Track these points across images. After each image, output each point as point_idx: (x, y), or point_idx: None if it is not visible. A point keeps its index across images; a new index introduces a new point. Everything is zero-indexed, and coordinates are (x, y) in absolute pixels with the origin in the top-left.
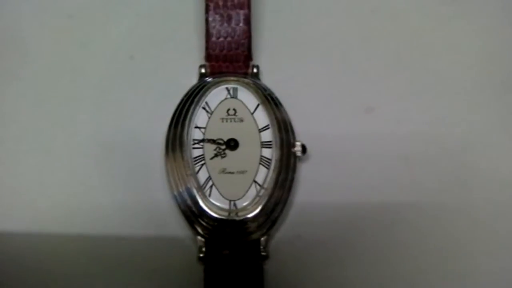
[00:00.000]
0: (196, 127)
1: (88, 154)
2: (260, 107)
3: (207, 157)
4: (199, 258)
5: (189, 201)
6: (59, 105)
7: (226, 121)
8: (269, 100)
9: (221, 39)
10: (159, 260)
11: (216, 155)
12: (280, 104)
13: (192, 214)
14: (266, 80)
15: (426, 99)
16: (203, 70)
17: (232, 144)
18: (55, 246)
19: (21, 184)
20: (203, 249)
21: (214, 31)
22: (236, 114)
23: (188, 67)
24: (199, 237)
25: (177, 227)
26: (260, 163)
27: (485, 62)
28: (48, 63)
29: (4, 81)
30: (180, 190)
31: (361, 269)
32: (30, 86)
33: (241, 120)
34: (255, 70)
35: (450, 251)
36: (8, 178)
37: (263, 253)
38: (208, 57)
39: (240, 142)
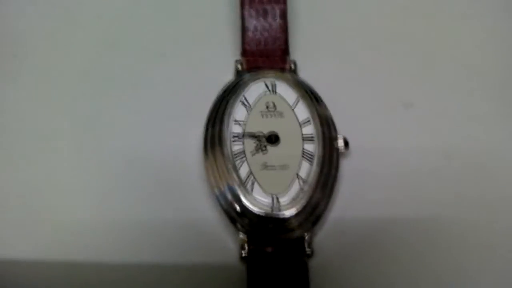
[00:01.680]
0: (236, 121)
1: (117, 165)
2: (300, 101)
3: (248, 152)
4: (242, 257)
5: (230, 199)
6: (85, 105)
7: (266, 116)
8: (309, 94)
9: (258, 34)
10: (200, 262)
11: (257, 150)
12: (320, 99)
13: (234, 212)
14: (304, 75)
15: (465, 94)
16: (239, 66)
17: (273, 139)
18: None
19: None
20: (246, 247)
21: (250, 26)
22: (276, 108)
23: (223, 64)
24: (241, 235)
25: (218, 227)
26: (303, 158)
27: None
28: (74, 64)
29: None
30: (222, 188)
31: (407, 265)
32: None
33: (281, 115)
34: (292, 66)
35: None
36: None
37: (307, 251)
38: (245, 52)
39: (281, 137)
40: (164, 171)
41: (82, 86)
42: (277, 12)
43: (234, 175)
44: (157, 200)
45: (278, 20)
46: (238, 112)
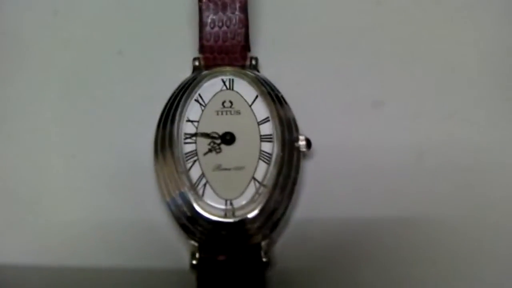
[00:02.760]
0: (188, 120)
1: (65, 167)
2: (258, 98)
3: (200, 152)
4: (192, 265)
5: (181, 204)
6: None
7: (222, 114)
8: (269, 92)
9: (216, 28)
10: (148, 269)
11: (210, 150)
12: (282, 97)
13: (184, 217)
14: (266, 73)
15: (439, 92)
16: (196, 63)
17: (228, 138)
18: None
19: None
20: (197, 255)
21: (208, 20)
22: (233, 106)
23: (182, 62)
24: (192, 242)
25: (171, 233)
26: (260, 158)
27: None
28: (26, 61)
29: None
30: (172, 194)
31: (374, 274)
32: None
33: (238, 113)
34: (253, 62)
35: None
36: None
37: (264, 259)
38: (202, 48)
39: (237, 136)
40: (116, 174)
41: (33, 82)
42: (237, 5)
43: (184, 178)
44: (107, 204)
45: (238, 13)
46: (192, 110)
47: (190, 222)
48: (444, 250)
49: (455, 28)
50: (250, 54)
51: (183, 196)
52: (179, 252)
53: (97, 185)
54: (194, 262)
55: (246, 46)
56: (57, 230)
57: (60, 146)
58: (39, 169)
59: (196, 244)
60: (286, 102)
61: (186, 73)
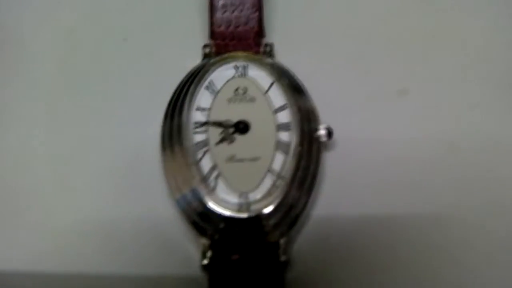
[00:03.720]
0: (198, 109)
1: (69, 161)
2: (274, 85)
3: (212, 142)
4: (203, 265)
5: (191, 198)
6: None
7: (235, 102)
8: (286, 78)
9: (228, 13)
10: (156, 272)
11: (222, 140)
12: (301, 86)
13: (195, 213)
14: (283, 61)
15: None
16: (207, 50)
17: (242, 127)
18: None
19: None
20: (208, 254)
21: (219, 4)
22: (246, 93)
23: (190, 49)
24: (202, 240)
25: (180, 230)
26: (277, 149)
27: None
28: (31, 50)
29: None
30: (183, 190)
31: (403, 273)
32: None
33: (252, 100)
34: (268, 49)
35: None
36: None
37: (283, 259)
38: (213, 34)
39: (252, 125)
40: (120, 170)
41: (38, 72)
42: None
43: (194, 170)
44: (111, 203)
45: None
46: (202, 98)
47: (201, 218)
48: (474, 250)
49: (480, 14)
50: (264, 41)
51: (194, 192)
52: (189, 252)
53: (100, 183)
54: (205, 261)
55: (260, 32)
56: (59, 231)
57: (61, 140)
58: (36, 167)
59: (207, 242)
60: (305, 92)
61: (195, 61)
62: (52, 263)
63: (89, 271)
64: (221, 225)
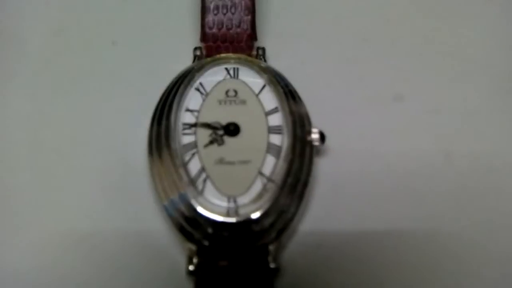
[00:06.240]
0: (188, 110)
1: (54, 165)
2: (266, 88)
3: (200, 144)
4: (189, 271)
5: (179, 204)
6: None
7: (225, 104)
8: (278, 81)
9: (220, 15)
10: (141, 279)
11: (211, 142)
12: (293, 90)
13: (181, 217)
14: (275, 66)
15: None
16: (198, 53)
17: (232, 129)
18: None
19: None
20: (194, 260)
21: (211, 6)
22: (237, 95)
23: (180, 51)
24: (189, 245)
25: (163, 236)
26: (267, 152)
27: None
28: (19, 51)
29: None
30: (171, 197)
31: (393, 285)
32: None
33: (243, 103)
34: (260, 53)
35: None
36: None
37: (272, 266)
38: (204, 36)
39: (242, 127)
40: (107, 176)
41: (24, 75)
42: None
43: (182, 172)
44: (97, 211)
45: None
46: (192, 99)
47: (187, 222)
48: (471, 265)
49: (478, 20)
50: (256, 44)
51: (182, 196)
52: (176, 258)
53: (85, 188)
54: (191, 268)
55: (252, 35)
56: (44, 240)
57: (46, 144)
58: (17, 172)
59: (194, 247)
60: (299, 98)
61: (186, 64)
62: (35, 274)
63: (74, 278)
64: (209, 230)
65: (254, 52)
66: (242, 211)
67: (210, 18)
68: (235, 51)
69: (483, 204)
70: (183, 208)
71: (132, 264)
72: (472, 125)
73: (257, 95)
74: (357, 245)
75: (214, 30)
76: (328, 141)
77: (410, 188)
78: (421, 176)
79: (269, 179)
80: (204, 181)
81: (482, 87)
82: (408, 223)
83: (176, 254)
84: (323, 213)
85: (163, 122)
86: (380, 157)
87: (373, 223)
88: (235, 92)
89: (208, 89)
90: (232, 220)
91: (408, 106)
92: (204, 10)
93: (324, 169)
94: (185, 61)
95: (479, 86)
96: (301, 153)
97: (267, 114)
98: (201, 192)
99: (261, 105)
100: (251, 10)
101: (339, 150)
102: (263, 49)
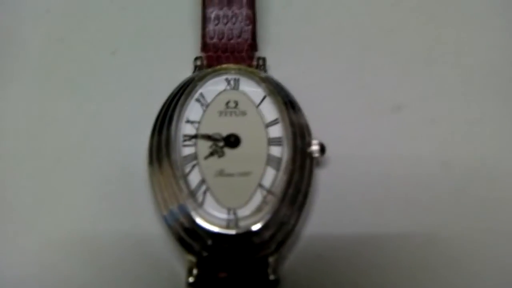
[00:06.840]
0: (188, 121)
1: (54, 173)
2: (267, 99)
3: (201, 156)
4: (189, 283)
5: (177, 213)
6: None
7: (225, 115)
8: (278, 92)
9: (220, 25)
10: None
11: (212, 154)
12: (293, 101)
13: (181, 228)
14: (275, 76)
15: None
16: (198, 63)
17: (232, 140)
18: None
19: None
20: (194, 271)
21: (211, 16)
22: (238, 107)
23: (180, 61)
24: (189, 257)
25: (162, 247)
26: (267, 164)
27: None
28: (19, 59)
29: None
30: (170, 206)
31: None
32: None
33: (244, 114)
34: (261, 63)
35: None
36: None
37: (272, 277)
38: (205, 46)
39: (242, 139)
40: (107, 185)
41: (24, 83)
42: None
43: (182, 183)
44: (99, 216)
45: (245, 9)
46: (192, 110)
47: (188, 234)
48: (469, 270)
49: (479, 29)
50: (257, 54)
51: (182, 207)
52: (176, 270)
53: (85, 197)
54: (191, 279)
55: (253, 45)
56: (44, 248)
57: (46, 153)
58: (17, 179)
59: (194, 259)
60: (299, 108)
61: (186, 74)
62: (34, 281)
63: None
64: (209, 242)
65: (255, 62)
66: (242, 223)
67: (211, 28)
68: (235, 61)
69: (480, 210)
70: (182, 219)
71: (132, 274)
72: (469, 134)
73: (257, 106)
74: (357, 255)
75: (215, 40)
76: (327, 150)
77: (410, 199)
78: (420, 186)
79: (269, 191)
80: (204, 193)
81: (480, 97)
82: (408, 235)
83: (176, 265)
84: (323, 223)
85: (164, 132)
86: (380, 167)
87: (373, 233)
88: (236, 103)
89: (208, 99)
90: (232, 232)
91: (407, 115)
92: (205, 20)
93: (324, 178)
94: (186, 71)
95: (477, 95)
96: (301, 165)
97: (267, 125)
98: (201, 204)
99: (261, 116)
100: (252, 20)
101: (339, 159)
102: (264, 59)
